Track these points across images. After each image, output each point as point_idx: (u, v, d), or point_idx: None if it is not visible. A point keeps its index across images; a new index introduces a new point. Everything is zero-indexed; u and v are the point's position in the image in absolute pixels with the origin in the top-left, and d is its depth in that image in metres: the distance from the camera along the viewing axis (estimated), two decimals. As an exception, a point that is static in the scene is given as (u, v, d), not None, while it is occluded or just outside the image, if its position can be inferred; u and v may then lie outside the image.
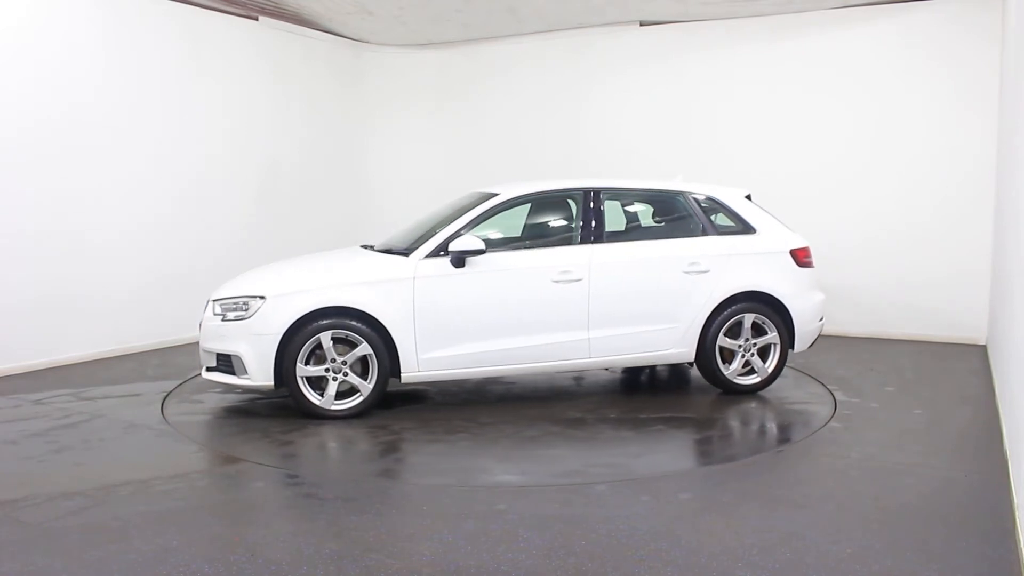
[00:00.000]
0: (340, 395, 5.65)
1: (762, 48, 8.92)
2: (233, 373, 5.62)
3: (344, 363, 5.59)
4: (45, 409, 5.89)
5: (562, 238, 6.28)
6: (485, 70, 10.37)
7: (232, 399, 6.25)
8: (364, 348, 5.58)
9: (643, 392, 6.62)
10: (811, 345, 6.44)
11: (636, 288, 6.02)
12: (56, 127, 7.22)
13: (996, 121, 7.80)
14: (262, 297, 5.58)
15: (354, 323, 5.57)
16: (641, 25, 9.44)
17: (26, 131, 7.00)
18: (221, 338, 5.64)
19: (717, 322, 6.09)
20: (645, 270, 6.05)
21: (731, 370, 6.19)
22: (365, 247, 6.48)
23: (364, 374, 5.67)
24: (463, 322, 5.74)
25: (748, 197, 6.49)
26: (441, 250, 5.76)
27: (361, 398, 5.64)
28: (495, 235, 6.12)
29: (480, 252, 5.70)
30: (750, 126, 9.00)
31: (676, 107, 9.36)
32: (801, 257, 6.30)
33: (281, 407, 5.96)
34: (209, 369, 5.78)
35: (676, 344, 6.08)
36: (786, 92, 8.84)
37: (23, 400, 6.13)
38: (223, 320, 5.64)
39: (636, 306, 6.01)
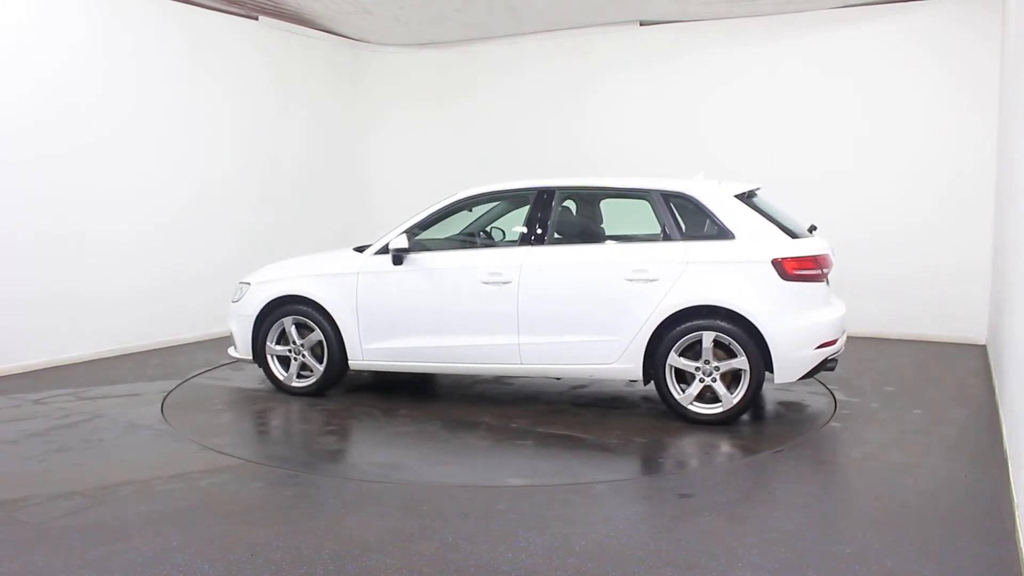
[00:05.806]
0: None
1: (762, 48, 8.92)
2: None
3: (302, 346, 6.16)
4: (45, 409, 5.89)
5: (505, 239, 6.24)
6: (485, 70, 10.37)
7: (231, 399, 6.27)
8: (318, 334, 6.10)
9: (615, 410, 5.82)
10: (807, 376, 5.38)
11: (569, 294, 5.59)
12: (56, 127, 7.21)
13: (996, 120, 7.80)
14: (248, 284, 6.40)
15: (311, 311, 6.10)
16: (641, 25, 9.44)
17: (26, 131, 7.00)
18: (228, 316, 6.51)
19: (668, 338, 5.35)
20: (580, 275, 5.59)
21: (685, 395, 5.37)
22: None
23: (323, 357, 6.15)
24: (397, 317, 5.97)
25: (749, 195, 5.69)
26: (387, 247, 6.00)
27: (314, 379, 6.17)
28: (442, 234, 6.21)
29: (406, 251, 5.90)
30: (749, 126, 8.99)
31: (676, 107, 9.35)
32: (789, 269, 5.25)
33: (280, 407, 5.98)
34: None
35: (618, 359, 5.48)
36: (785, 92, 8.83)
37: (23, 400, 6.13)
38: (232, 301, 6.47)
39: (568, 313, 5.57)
